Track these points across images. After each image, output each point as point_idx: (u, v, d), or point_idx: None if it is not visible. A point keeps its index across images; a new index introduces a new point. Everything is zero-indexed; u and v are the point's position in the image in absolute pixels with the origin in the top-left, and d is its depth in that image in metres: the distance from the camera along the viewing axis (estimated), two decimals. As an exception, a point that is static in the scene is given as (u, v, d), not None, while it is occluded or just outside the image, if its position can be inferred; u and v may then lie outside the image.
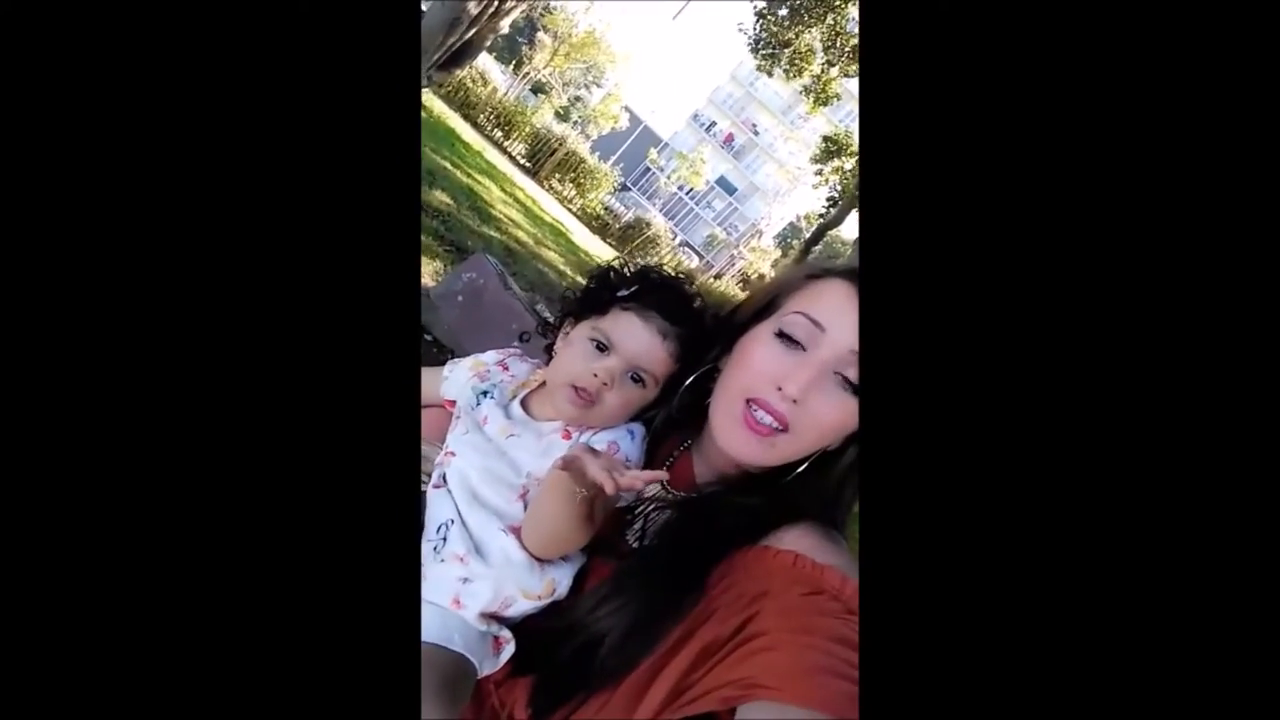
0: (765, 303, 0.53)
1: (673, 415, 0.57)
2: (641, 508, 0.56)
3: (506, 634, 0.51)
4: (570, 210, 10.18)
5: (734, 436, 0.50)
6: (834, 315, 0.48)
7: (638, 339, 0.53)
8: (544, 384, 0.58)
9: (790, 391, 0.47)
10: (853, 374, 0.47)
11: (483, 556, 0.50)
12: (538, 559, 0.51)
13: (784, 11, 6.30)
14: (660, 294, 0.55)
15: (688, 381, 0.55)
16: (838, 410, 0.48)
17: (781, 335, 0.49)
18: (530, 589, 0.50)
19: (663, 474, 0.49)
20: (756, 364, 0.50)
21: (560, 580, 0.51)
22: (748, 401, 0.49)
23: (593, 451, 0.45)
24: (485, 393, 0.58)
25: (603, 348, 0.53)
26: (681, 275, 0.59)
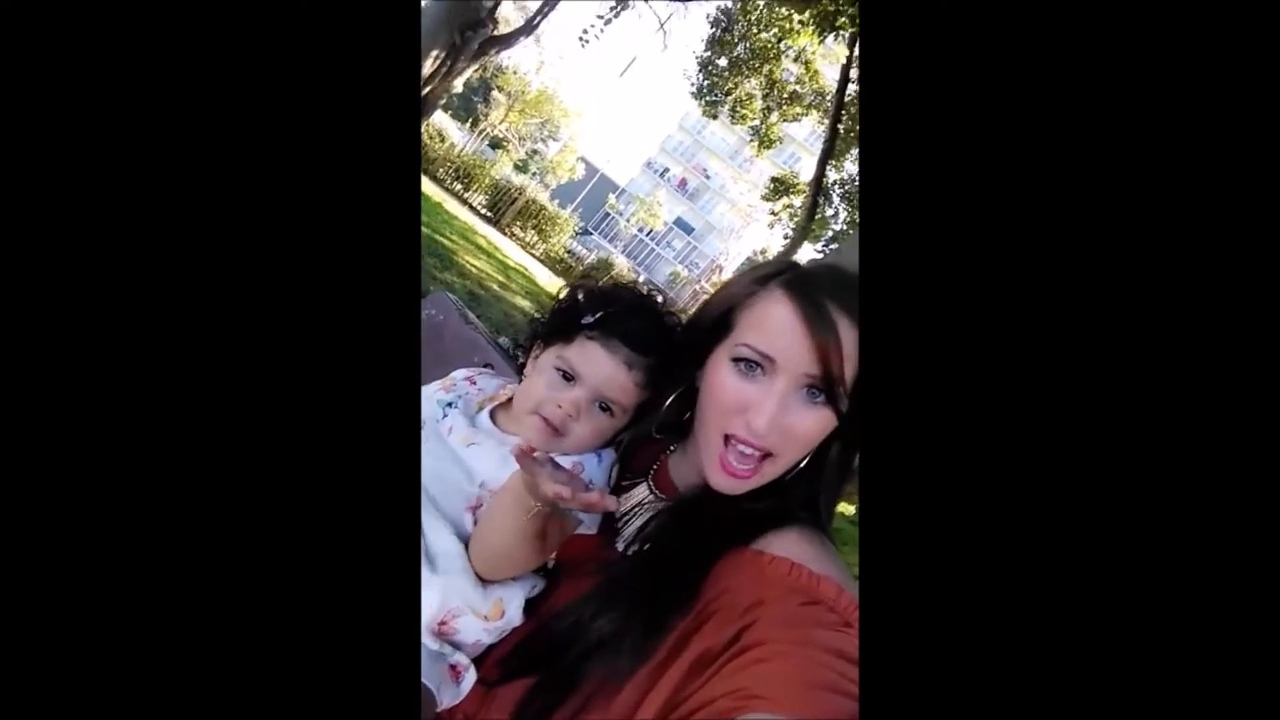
0: (719, 318, 0.52)
1: (653, 434, 0.56)
2: (629, 514, 0.54)
3: (464, 660, 0.49)
4: (533, 255, 10.32)
5: (718, 478, 0.50)
6: (780, 341, 0.48)
7: (602, 370, 0.52)
8: (512, 399, 0.57)
9: (758, 427, 0.47)
10: (817, 384, 0.47)
11: (431, 562, 0.48)
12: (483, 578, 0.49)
13: (723, 62, 6.85)
14: (626, 322, 0.53)
15: (667, 402, 0.54)
16: (811, 423, 0.48)
17: (738, 361, 0.49)
18: (476, 606, 0.48)
19: (616, 502, 0.47)
20: (723, 398, 0.49)
21: (509, 602, 0.49)
22: (726, 439, 0.49)
23: (554, 464, 0.43)
24: (450, 404, 0.57)
25: (568, 377, 0.52)
26: (653, 291, 0.58)
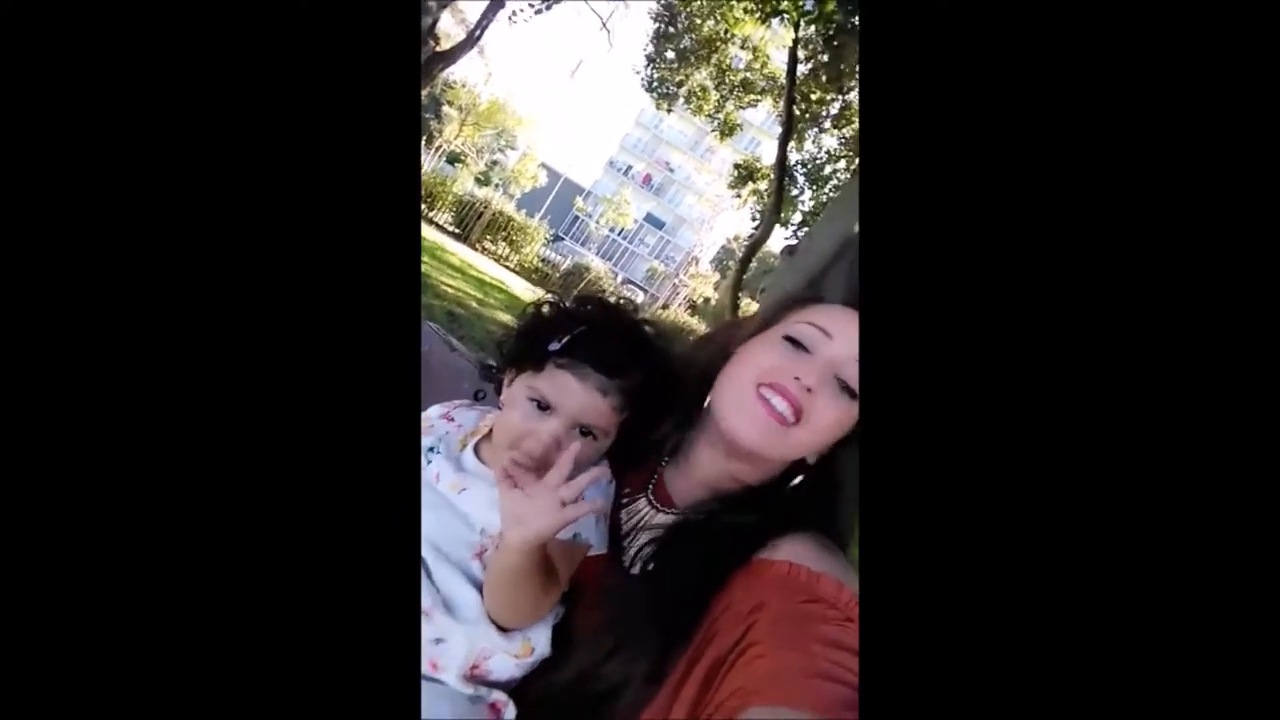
0: (768, 318, 0.54)
1: (663, 439, 0.56)
2: (632, 531, 0.54)
3: (502, 697, 0.48)
4: (508, 267, 10.22)
5: (749, 423, 0.49)
6: (839, 327, 0.50)
7: (576, 399, 0.50)
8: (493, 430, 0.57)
9: (807, 380, 0.48)
10: (850, 378, 0.49)
11: (451, 611, 0.48)
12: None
13: (671, 55, 6.87)
14: (595, 345, 0.51)
15: (684, 403, 0.54)
16: (838, 412, 0.49)
17: (789, 339, 0.50)
18: (506, 648, 0.48)
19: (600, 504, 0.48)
20: (769, 360, 0.50)
21: (537, 639, 0.49)
22: (759, 387, 0.49)
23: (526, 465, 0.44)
24: (432, 448, 0.55)
25: (543, 407, 0.51)
26: (624, 301, 0.57)
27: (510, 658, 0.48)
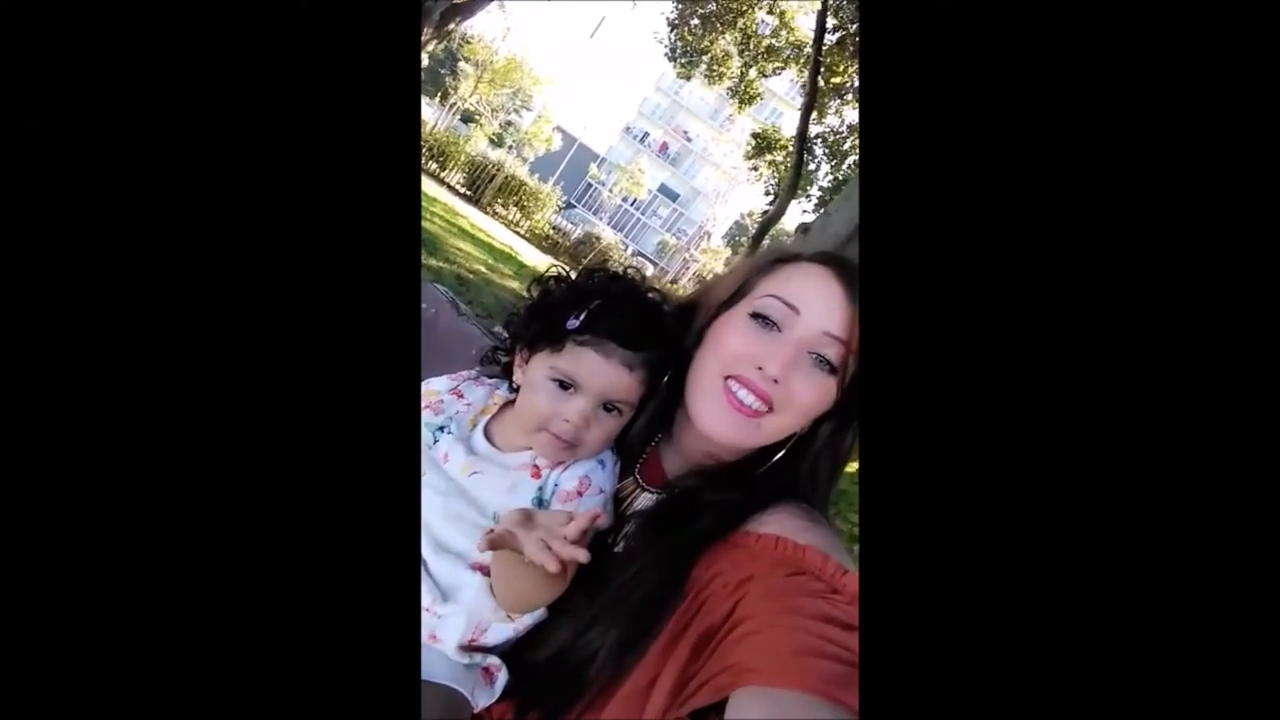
0: (736, 288, 0.53)
1: (654, 417, 0.56)
2: (620, 508, 0.55)
3: (495, 661, 0.50)
4: (518, 233, 10.14)
5: (718, 418, 0.49)
6: (806, 297, 0.49)
7: (603, 376, 0.49)
8: (506, 405, 0.55)
9: (771, 371, 0.47)
10: (829, 354, 0.48)
11: (449, 596, 0.49)
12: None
13: (695, 21, 6.58)
14: (614, 318, 0.49)
15: (665, 379, 0.53)
16: (816, 390, 0.48)
17: (756, 316, 0.49)
18: (504, 616, 0.49)
19: (601, 516, 0.46)
20: (734, 346, 0.49)
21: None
22: (726, 379, 0.49)
23: (527, 515, 0.42)
24: (442, 427, 0.54)
25: (567, 386, 0.49)
26: (631, 270, 0.56)
27: (509, 624, 0.49)
